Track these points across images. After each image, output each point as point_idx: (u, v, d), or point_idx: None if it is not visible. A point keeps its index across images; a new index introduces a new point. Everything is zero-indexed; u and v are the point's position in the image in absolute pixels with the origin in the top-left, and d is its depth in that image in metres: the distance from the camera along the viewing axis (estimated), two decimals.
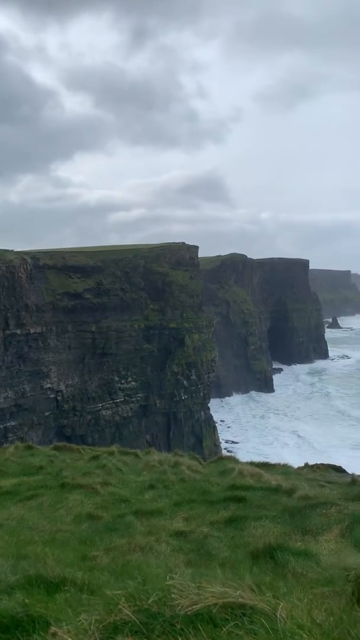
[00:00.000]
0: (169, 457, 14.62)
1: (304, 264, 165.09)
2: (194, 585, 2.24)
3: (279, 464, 15.30)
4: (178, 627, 2.04)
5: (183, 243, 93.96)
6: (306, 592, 4.06)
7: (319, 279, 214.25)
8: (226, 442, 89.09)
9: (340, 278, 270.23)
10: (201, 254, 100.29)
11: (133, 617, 2.06)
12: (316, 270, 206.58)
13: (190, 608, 2.09)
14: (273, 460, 21.00)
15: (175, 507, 9.06)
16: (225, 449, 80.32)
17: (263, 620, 2.04)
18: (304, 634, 2.02)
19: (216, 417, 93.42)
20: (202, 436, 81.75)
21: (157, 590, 2.21)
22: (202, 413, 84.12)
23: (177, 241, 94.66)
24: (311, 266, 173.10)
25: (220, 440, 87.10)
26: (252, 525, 7.50)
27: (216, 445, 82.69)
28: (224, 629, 2.00)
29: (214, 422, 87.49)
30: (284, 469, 14.26)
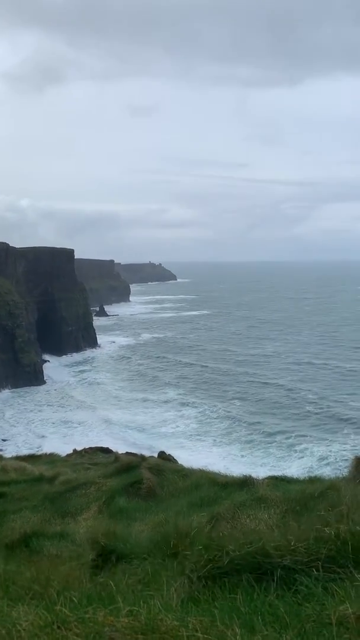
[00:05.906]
0: None
1: (69, 253, 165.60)
2: None
3: (45, 453, 15.36)
4: None
5: None
6: (55, 570, 4.21)
7: (85, 269, 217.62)
8: None
9: (105, 267, 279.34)
10: None
11: None
12: (82, 259, 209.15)
13: None
14: (45, 451, 20.85)
15: None
16: None
17: None
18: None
19: None
20: None
21: None
22: None
23: None
24: (76, 256, 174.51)
25: None
26: (11, 518, 7.41)
27: None
28: None
29: None
30: (50, 458, 14.35)
